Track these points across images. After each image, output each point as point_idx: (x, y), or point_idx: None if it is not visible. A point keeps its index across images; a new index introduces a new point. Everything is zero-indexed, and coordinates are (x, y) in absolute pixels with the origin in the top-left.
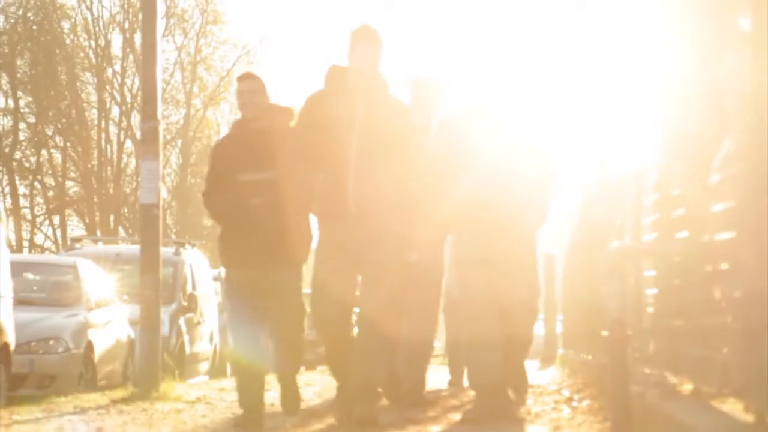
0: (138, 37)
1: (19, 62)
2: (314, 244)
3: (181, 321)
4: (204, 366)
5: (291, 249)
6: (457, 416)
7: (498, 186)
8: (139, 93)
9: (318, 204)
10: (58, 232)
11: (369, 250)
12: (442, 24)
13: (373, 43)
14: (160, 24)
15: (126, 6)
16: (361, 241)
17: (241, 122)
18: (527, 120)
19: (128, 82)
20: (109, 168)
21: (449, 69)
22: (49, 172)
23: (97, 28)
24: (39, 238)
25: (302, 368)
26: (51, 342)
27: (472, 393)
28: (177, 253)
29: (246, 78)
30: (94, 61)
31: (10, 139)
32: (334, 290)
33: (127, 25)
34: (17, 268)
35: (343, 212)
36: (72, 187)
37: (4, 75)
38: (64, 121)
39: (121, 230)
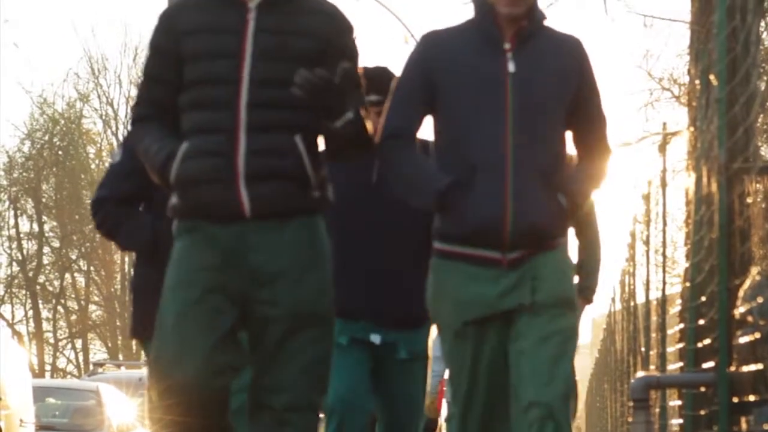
0: None
1: (44, 187)
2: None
3: None
4: None
5: None
6: None
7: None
8: None
9: (177, 195)
10: (81, 356)
11: (265, 289)
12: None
13: None
14: None
15: None
16: (257, 269)
17: None
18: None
19: None
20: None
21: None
22: (72, 295)
23: None
24: (61, 362)
25: None
26: None
27: None
28: None
29: None
30: None
31: (34, 263)
32: (192, 357)
33: None
34: (39, 393)
35: (228, 209)
36: (95, 311)
37: (29, 200)
38: (87, 245)
39: (143, 355)
